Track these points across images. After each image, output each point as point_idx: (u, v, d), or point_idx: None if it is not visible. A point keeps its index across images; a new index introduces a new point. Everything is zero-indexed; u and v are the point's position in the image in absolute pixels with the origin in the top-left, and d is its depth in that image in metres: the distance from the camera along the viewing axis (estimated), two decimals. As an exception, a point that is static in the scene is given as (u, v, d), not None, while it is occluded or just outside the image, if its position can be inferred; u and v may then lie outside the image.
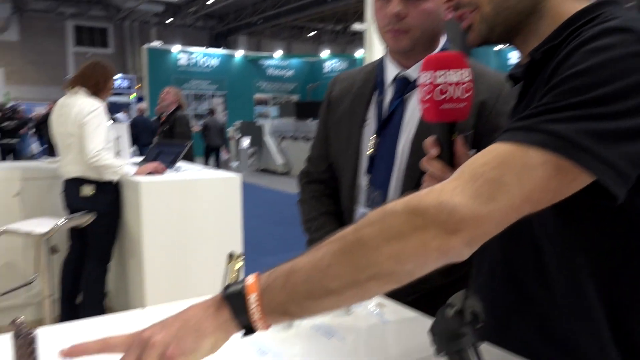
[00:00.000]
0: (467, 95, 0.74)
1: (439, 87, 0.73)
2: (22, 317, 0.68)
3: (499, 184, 0.55)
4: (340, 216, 1.30)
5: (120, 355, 0.61)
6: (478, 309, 0.56)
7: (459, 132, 0.77)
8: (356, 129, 1.24)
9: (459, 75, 0.73)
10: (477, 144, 0.78)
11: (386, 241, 0.57)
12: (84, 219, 2.91)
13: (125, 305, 3.07)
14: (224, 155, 10.44)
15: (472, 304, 0.56)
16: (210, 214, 2.93)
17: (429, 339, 0.69)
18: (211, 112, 11.02)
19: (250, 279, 0.62)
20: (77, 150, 2.81)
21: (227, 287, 0.63)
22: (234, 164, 12.08)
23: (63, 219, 2.84)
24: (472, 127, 1.06)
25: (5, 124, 9.27)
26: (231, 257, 0.84)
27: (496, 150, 0.58)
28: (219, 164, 9.84)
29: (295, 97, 16.38)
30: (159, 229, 2.78)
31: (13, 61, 18.50)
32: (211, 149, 10.09)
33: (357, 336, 0.86)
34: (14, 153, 9.13)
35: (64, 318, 3.01)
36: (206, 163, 9.58)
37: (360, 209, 1.24)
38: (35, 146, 10.03)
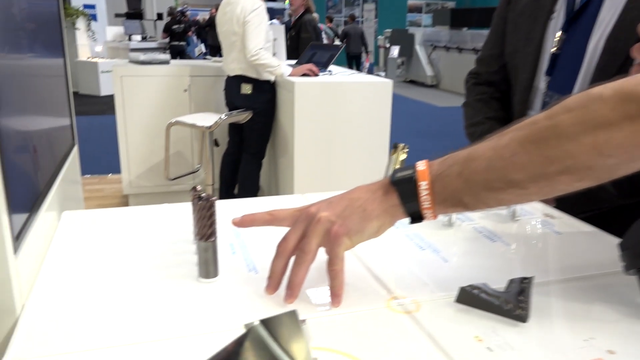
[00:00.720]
0: None
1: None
2: (200, 186, 0.73)
3: None
4: (509, 123, 1.19)
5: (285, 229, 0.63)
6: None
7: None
8: (540, 22, 1.09)
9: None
10: None
11: (588, 130, 0.49)
12: (243, 116, 3.09)
13: (275, 192, 3.26)
14: (365, 63, 10.28)
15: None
16: (359, 118, 2.92)
17: (618, 255, 0.62)
18: (351, 17, 10.74)
19: (421, 165, 0.59)
20: (239, 49, 2.92)
21: (395, 172, 0.60)
22: (381, 74, 11.86)
23: (224, 115, 3.03)
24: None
25: (175, 27, 10.01)
26: (396, 147, 0.81)
27: None
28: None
29: (451, 4, 15.31)
30: (309, 129, 2.86)
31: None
32: (352, 57, 9.97)
33: (523, 243, 0.80)
34: (181, 54, 9.88)
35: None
36: (349, 70, 9.53)
37: (534, 115, 1.12)
38: (199, 48, 10.74)
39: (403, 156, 0.81)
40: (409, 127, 6.73)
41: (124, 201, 3.63)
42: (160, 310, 0.59)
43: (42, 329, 0.55)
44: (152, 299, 0.61)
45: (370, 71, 10.56)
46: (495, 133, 1.17)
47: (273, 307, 0.60)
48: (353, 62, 10.06)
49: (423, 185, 0.57)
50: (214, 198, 0.64)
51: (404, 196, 0.58)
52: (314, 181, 2.93)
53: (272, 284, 0.60)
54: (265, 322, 0.40)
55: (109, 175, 4.18)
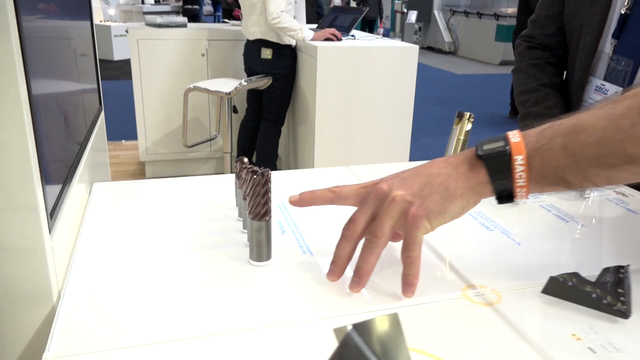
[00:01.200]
0: None
1: None
2: (246, 159, 0.67)
3: None
4: (565, 90, 1.11)
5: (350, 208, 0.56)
6: None
7: None
8: None
9: None
10: None
11: None
12: (262, 82, 3.00)
13: (294, 167, 3.21)
14: (379, 29, 10.03)
15: None
16: (384, 85, 2.83)
17: None
18: (368, -19, 10.44)
19: (515, 137, 0.51)
20: (260, 11, 2.81)
21: (481, 145, 0.52)
22: (397, 40, 11.59)
23: (244, 80, 2.94)
24: None
25: (189, -11, 9.79)
26: (461, 116, 0.73)
27: None
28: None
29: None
30: (331, 95, 2.77)
31: None
32: (367, 22, 9.74)
33: (600, 224, 0.73)
34: (195, 18, 9.69)
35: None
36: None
37: (596, 82, 1.03)
38: (209, 9, 10.52)
39: (468, 126, 0.73)
40: (426, 94, 6.58)
41: (141, 168, 3.58)
42: (211, 299, 0.53)
43: (82, 320, 0.49)
44: (200, 286, 0.55)
45: (385, 37, 10.31)
46: (550, 99, 1.12)
47: (336, 296, 0.54)
48: (367, 27, 9.82)
49: (518, 160, 0.49)
50: (269, 172, 0.57)
51: (494, 172, 0.50)
52: (336, 150, 2.86)
53: (337, 270, 0.54)
54: (360, 327, 0.34)
55: (123, 141, 4.13)
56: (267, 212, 0.58)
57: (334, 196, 0.56)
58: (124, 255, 0.61)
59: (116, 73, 7.40)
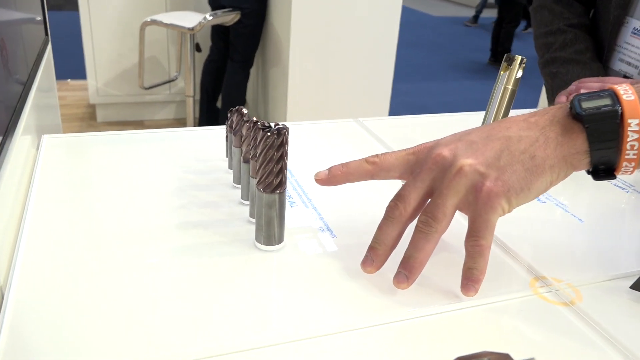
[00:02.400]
0: None
1: None
2: (246, 109, 0.54)
3: None
4: (594, 32, 1.00)
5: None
6: None
7: None
8: None
9: None
10: None
11: None
12: (229, 17, 2.80)
13: (265, 118, 3.07)
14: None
15: None
16: (365, 25, 2.67)
17: None
18: None
19: (627, 93, 0.40)
20: None
21: (579, 101, 0.41)
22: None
23: (209, 15, 2.73)
24: None
25: None
26: (510, 61, 0.62)
27: None
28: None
29: None
30: (308, 35, 2.60)
31: None
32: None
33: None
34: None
35: (203, 121, 3.10)
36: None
37: (635, 24, 0.93)
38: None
39: (519, 73, 0.62)
40: (400, 37, 6.43)
41: (90, 111, 3.37)
42: (202, 304, 0.41)
43: (34, 331, 0.37)
44: (186, 284, 0.44)
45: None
46: (580, 42, 1.01)
47: (374, 295, 0.44)
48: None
49: (633, 125, 0.39)
50: (287, 129, 0.45)
51: (597, 139, 0.40)
52: (311, 96, 2.72)
53: (377, 259, 0.44)
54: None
55: (69, 80, 3.86)
56: (282, 183, 0.46)
57: (373, 168, 0.47)
58: (85, 232, 0.48)
59: (58, 2, 6.89)
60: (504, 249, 0.51)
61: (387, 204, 0.45)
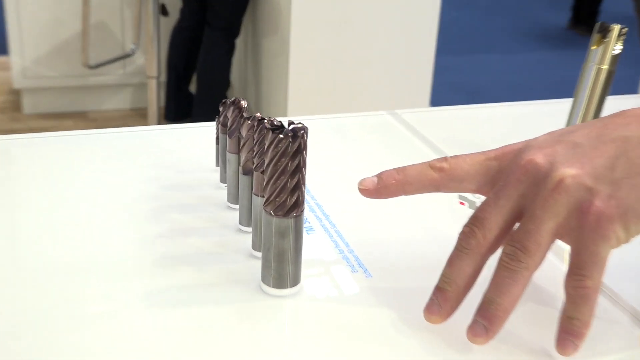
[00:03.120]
0: None
1: None
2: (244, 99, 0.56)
3: None
4: None
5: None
6: None
7: None
8: None
9: None
10: None
11: None
12: (208, -32, 2.84)
13: (257, 106, 3.10)
14: None
15: None
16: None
17: None
18: None
19: None
20: None
21: None
22: None
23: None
24: None
25: None
26: (604, 31, 0.63)
27: None
28: None
29: None
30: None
31: None
32: None
33: None
34: None
35: (170, 111, 3.14)
36: None
37: None
38: None
39: (617, 48, 0.64)
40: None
41: (13, 99, 3.43)
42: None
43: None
44: (171, 334, 0.45)
45: None
46: None
47: (442, 355, 0.45)
48: None
49: None
50: (305, 129, 0.47)
51: None
52: (322, 77, 2.74)
53: (447, 304, 0.45)
54: None
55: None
56: (299, 203, 0.48)
57: (441, 177, 0.48)
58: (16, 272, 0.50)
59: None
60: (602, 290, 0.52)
61: (454, 229, 0.46)
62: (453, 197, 0.64)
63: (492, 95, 4.03)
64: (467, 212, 0.57)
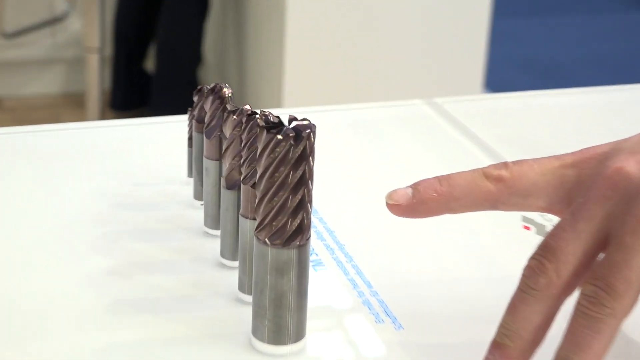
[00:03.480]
0: None
1: None
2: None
3: None
4: None
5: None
6: None
7: None
8: None
9: None
10: None
11: None
12: None
13: (241, 94, 3.11)
14: None
15: None
16: None
17: None
18: None
19: None
20: None
21: None
22: None
23: None
24: None
25: None
26: None
27: None
28: None
29: None
30: None
31: None
32: None
33: None
34: None
35: (120, 95, 3.16)
36: None
37: None
38: None
39: None
40: None
41: None
42: None
43: None
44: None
45: None
46: None
47: None
48: None
49: None
50: (312, 128, 0.48)
51: None
52: (329, 47, 2.76)
53: None
54: None
55: None
56: (303, 228, 0.49)
57: (499, 190, 0.50)
58: None
59: None
60: None
61: (516, 262, 0.47)
62: (515, 218, 0.65)
63: (570, 75, 4.04)
64: (534, 240, 0.58)
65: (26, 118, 3.25)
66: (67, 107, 3.44)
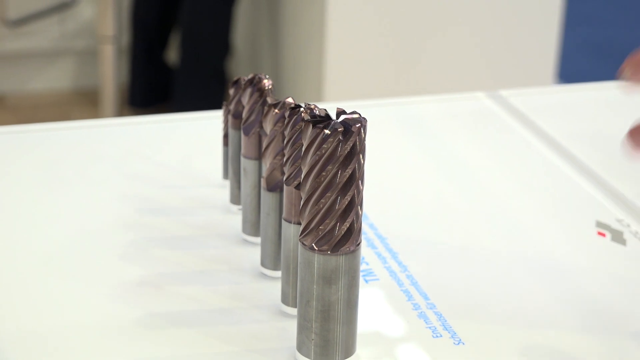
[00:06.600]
0: None
1: None
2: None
3: None
4: None
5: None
6: None
7: None
8: None
9: None
10: None
11: None
12: None
13: (279, 86, 3.12)
14: None
15: None
16: None
17: None
18: None
19: None
20: None
21: None
22: None
23: None
24: None
25: None
26: None
27: None
28: None
29: None
30: None
31: None
32: None
33: None
34: None
35: (139, 90, 3.17)
36: None
37: None
38: None
39: None
40: None
41: None
42: None
43: None
44: None
45: None
46: None
47: None
48: None
49: None
50: (359, 120, 0.50)
51: None
52: (376, 33, 2.77)
53: None
54: None
55: None
56: (353, 232, 0.51)
57: None
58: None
59: None
60: None
61: (590, 270, 0.49)
62: (589, 223, 0.66)
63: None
64: (609, 247, 0.59)
65: (32, 117, 3.19)
66: (78, 104, 3.43)
